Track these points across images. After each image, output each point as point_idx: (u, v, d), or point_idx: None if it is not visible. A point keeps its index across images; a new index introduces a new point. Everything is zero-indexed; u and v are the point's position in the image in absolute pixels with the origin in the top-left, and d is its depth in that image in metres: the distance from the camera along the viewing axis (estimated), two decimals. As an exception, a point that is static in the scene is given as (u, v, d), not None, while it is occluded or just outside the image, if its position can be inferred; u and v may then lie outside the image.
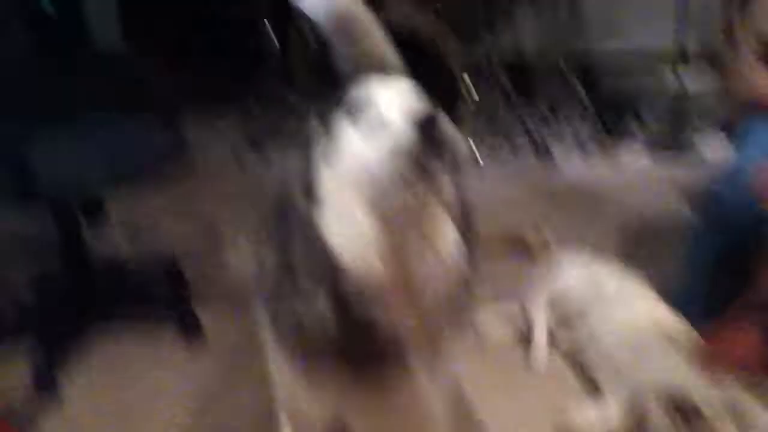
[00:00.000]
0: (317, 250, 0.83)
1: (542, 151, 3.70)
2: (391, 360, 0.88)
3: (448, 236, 0.88)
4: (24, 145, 1.60)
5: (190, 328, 1.97)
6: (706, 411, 1.41)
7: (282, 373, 0.99)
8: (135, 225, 2.69)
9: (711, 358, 1.58)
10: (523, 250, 2.52)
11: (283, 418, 1.18)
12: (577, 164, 3.70)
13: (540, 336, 1.93)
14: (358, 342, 0.85)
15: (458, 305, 0.94)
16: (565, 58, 4.08)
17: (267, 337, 0.99)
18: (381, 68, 1.11)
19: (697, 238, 1.89)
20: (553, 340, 1.94)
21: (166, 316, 2.03)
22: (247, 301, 2.14)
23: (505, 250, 2.53)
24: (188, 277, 2.27)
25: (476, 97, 3.71)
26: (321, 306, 0.84)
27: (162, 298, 2.15)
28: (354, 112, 0.85)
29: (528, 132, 3.89)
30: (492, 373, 1.83)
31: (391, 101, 0.84)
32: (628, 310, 1.80)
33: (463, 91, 3.48)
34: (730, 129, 2.04)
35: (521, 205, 3.14)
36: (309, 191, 0.85)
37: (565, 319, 1.92)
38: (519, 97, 3.98)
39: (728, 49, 2.05)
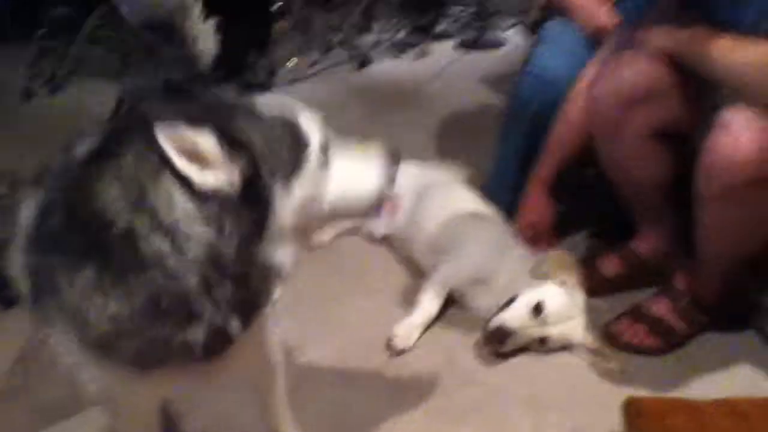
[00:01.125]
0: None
1: (359, 59, 3.72)
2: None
3: None
4: None
5: (2, 294, 1.80)
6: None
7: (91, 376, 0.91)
8: None
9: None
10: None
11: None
12: (395, 67, 3.76)
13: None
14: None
15: None
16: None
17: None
18: None
19: (506, 133, 2.02)
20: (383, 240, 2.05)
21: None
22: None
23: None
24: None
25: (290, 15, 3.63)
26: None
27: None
28: None
29: (344, 42, 3.89)
30: (331, 278, 1.90)
31: None
32: (447, 205, 1.92)
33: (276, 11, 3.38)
34: (533, 28, 2.16)
35: (345, 113, 3.16)
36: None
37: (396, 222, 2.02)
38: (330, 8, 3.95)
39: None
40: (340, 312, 1.76)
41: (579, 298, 1.60)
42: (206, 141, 0.76)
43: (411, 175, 2.12)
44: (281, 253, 0.85)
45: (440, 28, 4.23)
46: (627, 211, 1.69)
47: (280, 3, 3.47)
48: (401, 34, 4.12)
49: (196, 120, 0.77)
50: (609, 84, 1.51)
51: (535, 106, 1.81)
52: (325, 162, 0.90)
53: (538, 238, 1.80)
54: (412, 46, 3.96)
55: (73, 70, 3.58)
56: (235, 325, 0.83)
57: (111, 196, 0.77)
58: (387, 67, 3.73)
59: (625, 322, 1.58)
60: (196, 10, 1.32)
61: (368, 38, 4.04)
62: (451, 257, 1.77)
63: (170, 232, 0.76)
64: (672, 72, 1.45)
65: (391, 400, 1.47)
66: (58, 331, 0.86)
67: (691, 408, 1.26)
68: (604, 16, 1.87)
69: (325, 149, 0.90)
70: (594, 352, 1.55)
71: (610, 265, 1.73)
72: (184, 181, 0.76)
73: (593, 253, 1.84)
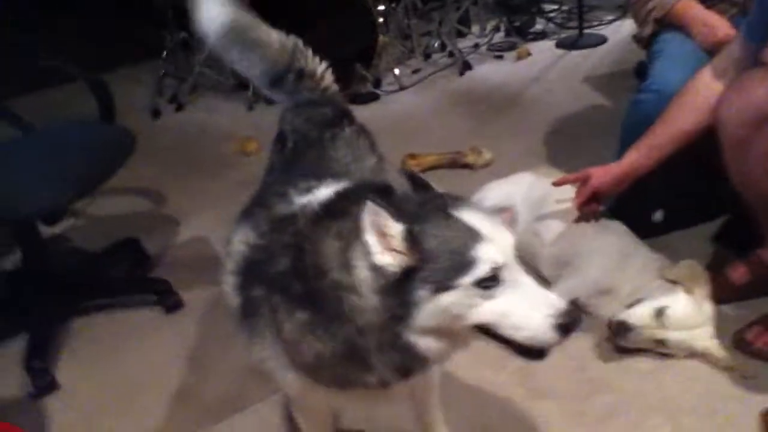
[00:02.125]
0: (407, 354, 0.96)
1: (460, 65, 3.80)
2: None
3: None
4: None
5: (166, 300, 2.06)
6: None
7: (290, 384, 1.09)
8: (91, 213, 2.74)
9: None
10: (465, 167, 2.69)
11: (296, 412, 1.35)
12: (496, 69, 3.82)
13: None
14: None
15: None
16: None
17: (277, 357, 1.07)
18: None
19: (625, 147, 1.96)
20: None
21: (142, 292, 2.12)
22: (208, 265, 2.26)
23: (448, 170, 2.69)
24: (151, 253, 2.36)
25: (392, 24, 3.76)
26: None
27: (135, 279, 2.23)
28: None
29: (444, 46, 3.99)
30: None
31: None
32: (566, 216, 1.97)
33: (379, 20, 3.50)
34: (647, 41, 2.17)
35: (452, 119, 3.27)
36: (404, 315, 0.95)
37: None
38: (429, 13, 4.06)
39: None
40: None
41: (706, 308, 1.63)
42: (395, 230, 0.89)
43: (525, 184, 2.19)
44: (424, 342, 0.93)
45: (537, 27, 4.26)
46: (755, 220, 1.71)
47: (382, 18, 3.58)
48: (498, 36, 4.18)
49: (399, 211, 0.90)
50: (736, 103, 1.53)
51: (656, 119, 1.83)
52: (483, 294, 0.91)
53: (582, 194, 1.83)
54: (510, 48, 4.00)
55: (193, 89, 3.86)
56: (396, 380, 0.99)
57: (329, 250, 0.94)
58: (488, 72, 3.79)
59: (756, 330, 1.60)
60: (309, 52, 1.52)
61: (466, 42, 4.12)
62: (574, 270, 1.83)
63: (357, 292, 0.92)
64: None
65: (526, 404, 1.56)
66: (268, 344, 1.05)
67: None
68: (723, 29, 1.88)
69: (486, 282, 0.91)
70: (720, 361, 1.59)
71: (737, 274, 1.75)
72: (367, 252, 0.90)
73: (720, 261, 1.86)
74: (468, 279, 0.89)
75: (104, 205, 2.76)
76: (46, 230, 2.30)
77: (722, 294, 1.72)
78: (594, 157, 2.35)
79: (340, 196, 1.00)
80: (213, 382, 1.77)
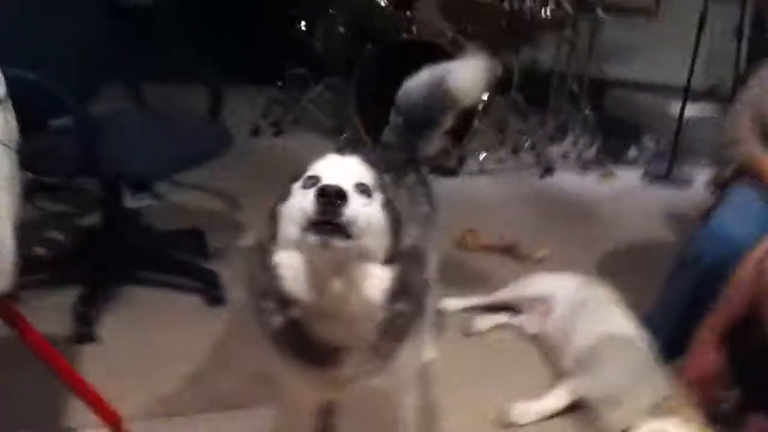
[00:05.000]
0: (273, 279, 1.05)
1: (545, 166, 3.92)
2: (339, 361, 1.10)
3: (373, 281, 1.05)
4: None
5: (212, 292, 2.21)
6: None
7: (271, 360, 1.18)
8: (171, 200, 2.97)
9: (680, 375, 1.83)
10: (517, 258, 2.77)
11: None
12: (577, 182, 3.91)
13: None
14: (308, 348, 1.09)
15: (392, 327, 1.10)
16: (578, 82, 4.30)
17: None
18: None
19: (672, 279, 2.06)
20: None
21: (194, 278, 2.29)
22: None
23: (501, 256, 2.79)
24: (212, 248, 2.53)
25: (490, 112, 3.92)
26: (277, 321, 1.08)
27: (191, 265, 2.40)
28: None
29: (534, 147, 4.11)
30: (477, 361, 2.08)
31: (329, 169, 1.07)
32: (599, 325, 2.01)
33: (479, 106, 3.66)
34: (722, 185, 2.24)
35: (521, 213, 3.37)
36: (274, 234, 1.08)
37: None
38: (530, 114, 4.22)
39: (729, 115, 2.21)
40: (476, 392, 1.91)
41: None
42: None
43: (571, 286, 2.25)
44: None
45: (630, 154, 4.33)
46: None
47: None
48: (590, 152, 4.27)
49: None
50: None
51: (707, 261, 1.86)
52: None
53: (706, 391, 1.84)
54: (599, 166, 4.09)
55: (296, 121, 4.13)
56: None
57: None
58: (569, 180, 3.88)
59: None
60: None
61: (557, 149, 4.24)
62: (590, 370, 1.88)
63: None
64: None
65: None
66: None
67: None
68: None
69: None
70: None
71: (754, 429, 1.74)
72: None
73: (741, 409, 1.84)
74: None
75: (184, 196, 2.97)
76: (127, 203, 2.51)
77: None
78: (645, 290, 2.37)
79: None
80: (227, 377, 1.88)
